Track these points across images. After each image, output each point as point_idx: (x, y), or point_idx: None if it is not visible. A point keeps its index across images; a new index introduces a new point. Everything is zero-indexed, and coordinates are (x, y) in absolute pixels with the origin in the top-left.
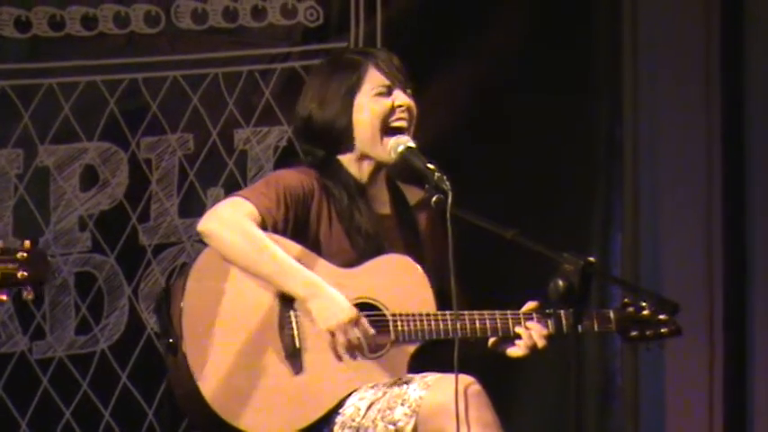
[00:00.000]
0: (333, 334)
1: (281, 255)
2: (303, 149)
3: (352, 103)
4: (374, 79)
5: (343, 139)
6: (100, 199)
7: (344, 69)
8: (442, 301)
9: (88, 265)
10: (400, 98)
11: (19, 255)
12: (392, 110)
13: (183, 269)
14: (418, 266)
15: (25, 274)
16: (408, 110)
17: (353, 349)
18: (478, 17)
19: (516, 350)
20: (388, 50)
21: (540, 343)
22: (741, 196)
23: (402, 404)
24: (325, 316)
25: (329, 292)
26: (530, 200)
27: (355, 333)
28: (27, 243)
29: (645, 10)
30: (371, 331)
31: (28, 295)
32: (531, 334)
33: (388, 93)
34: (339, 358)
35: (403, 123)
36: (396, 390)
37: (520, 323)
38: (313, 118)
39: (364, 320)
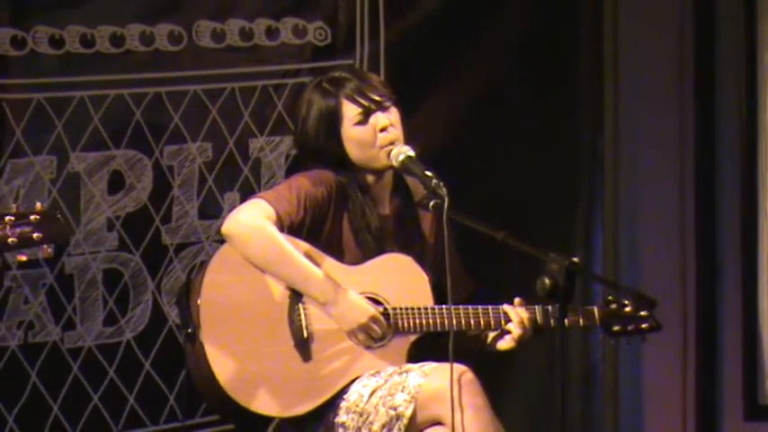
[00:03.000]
0: (354, 333)
1: (302, 261)
2: (308, 162)
3: (338, 135)
4: (349, 110)
5: (342, 159)
6: (126, 202)
7: (325, 99)
8: (443, 294)
9: (115, 262)
10: (380, 121)
11: (32, 217)
12: (375, 134)
13: (202, 266)
14: (417, 265)
15: (40, 235)
16: (392, 125)
17: (372, 341)
18: (471, 38)
19: (504, 342)
20: (360, 71)
21: (528, 324)
22: (712, 199)
23: (402, 391)
24: (345, 320)
25: (347, 297)
26: (518, 204)
27: (374, 329)
28: (38, 205)
29: (625, 29)
30: (385, 325)
31: (45, 254)
32: (521, 318)
33: (366, 118)
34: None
35: (391, 140)
36: (396, 378)
37: (509, 318)
38: (310, 141)
39: (379, 316)
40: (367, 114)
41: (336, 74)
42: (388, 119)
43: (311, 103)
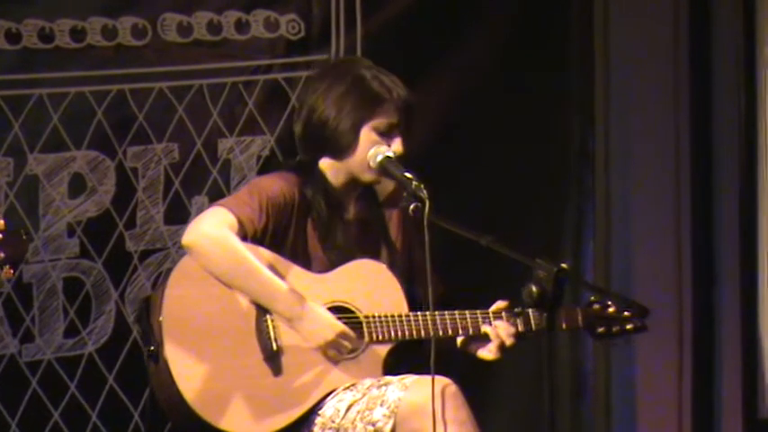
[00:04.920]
0: (323, 349)
1: (267, 274)
2: (304, 148)
3: (360, 128)
4: (387, 114)
5: (343, 152)
6: (88, 206)
7: (367, 95)
8: (414, 299)
9: (76, 270)
10: (397, 146)
11: None
12: (384, 154)
13: (163, 279)
14: (389, 271)
15: (2, 255)
16: (400, 155)
17: (341, 355)
18: (456, 30)
19: (487, 354)
20: (407, 90)
21: (508, 341)
22: (708, 203)
23: (381, 405)
24: (312, 336)
25: (313, 312)
26: (505, 207)
27: (343, 344)
28: (1, 223)
29: (616, 28)
30: (355, 340)
31: (6, 274)
32: (498, 333)
33: (389, 134)
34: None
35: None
36: (375, 391)
37: (489, 322)
38: (329, 125)
39: (348, 331)
40: (393, 131)
41: (390, 78)
42: (402, 149)
43: (358, 75)
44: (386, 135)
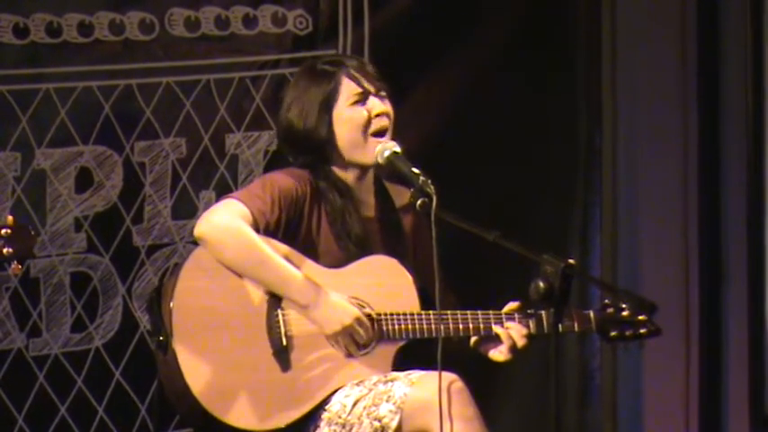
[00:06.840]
0: (337, 336)
1: (281, 262)
2: (290, 155)
3: (330, 115)
4: (348, 89)
5: (326, 148)
6: (95, 201)
7: (319, 80)
8: (426, 300)
9: (83, 265)
10: (377, 107)
11: (3, 231)
12: (369, 119)
13: (175, 269)
14: (403, 268)
15: (10, 250)
16: (386, 115)
17: (358, 345)
18: (463, 26)
19: (498, 355)
20: (360, 57)
21: (520, 342)
22: (716, 200)
23: (387, 401)
24: (328, 323)
25: (329, 299)
26: (512, 203)
27: (359, 332)
28: (10, 219)
29: (623, 23)
30: (370, 328)
31: (15, 270)
32: (510, 334)
33: (363, 100)
34: (349, 355)
35: (384, 127)
36: (381, 387)
37: (501, 323)
38: (294, 128)
39: (364, 317)
40: (366, 96)
41: (334, 55)
42: (385, 107)
43: (304, 85)
44: (362, 103)
